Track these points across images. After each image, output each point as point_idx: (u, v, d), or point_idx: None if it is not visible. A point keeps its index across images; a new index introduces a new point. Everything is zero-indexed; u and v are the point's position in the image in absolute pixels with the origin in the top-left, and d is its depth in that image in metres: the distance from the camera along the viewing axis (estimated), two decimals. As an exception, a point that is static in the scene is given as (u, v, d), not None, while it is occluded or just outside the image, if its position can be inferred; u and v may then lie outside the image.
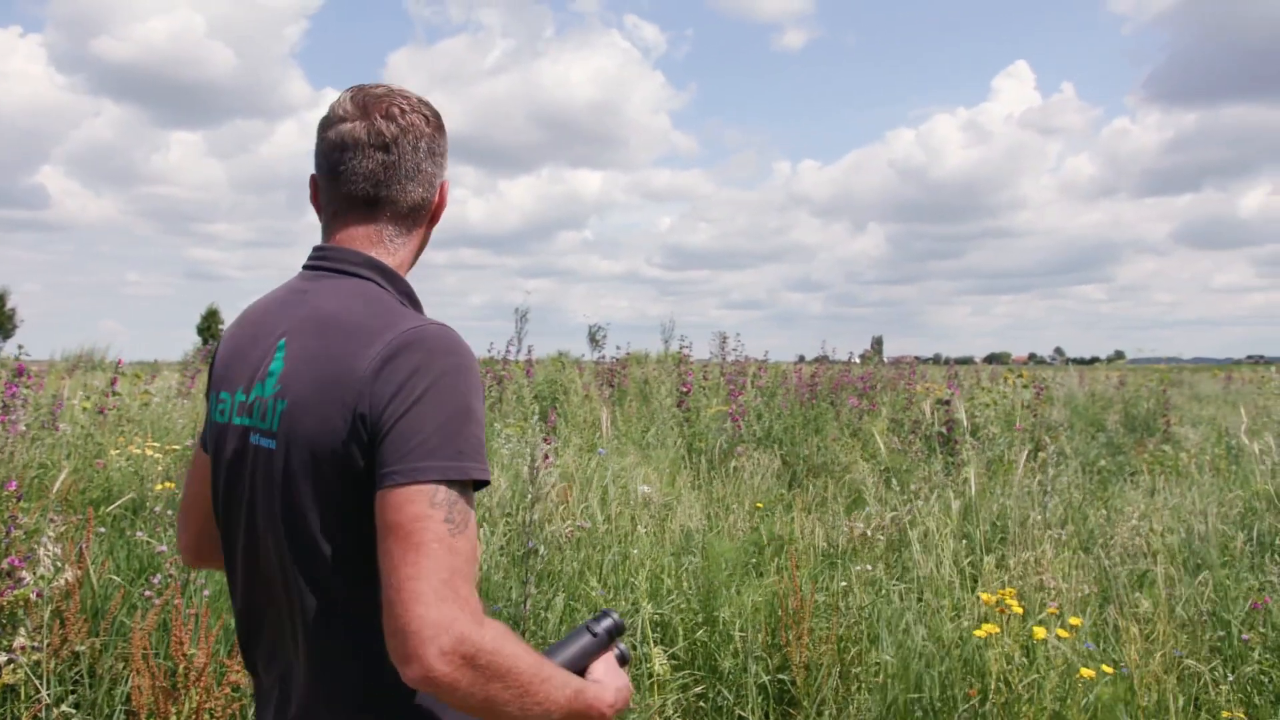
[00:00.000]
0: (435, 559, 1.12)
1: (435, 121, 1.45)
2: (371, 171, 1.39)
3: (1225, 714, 3.36)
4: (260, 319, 1.41)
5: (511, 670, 1.14)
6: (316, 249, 1.44)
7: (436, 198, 1.48)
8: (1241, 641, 3.83)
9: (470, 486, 1.21)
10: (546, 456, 4.34)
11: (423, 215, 1.47)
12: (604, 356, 12.64)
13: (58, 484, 4.42)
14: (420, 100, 1.45)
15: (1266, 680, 3.67)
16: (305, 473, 1.25)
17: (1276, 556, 4.27)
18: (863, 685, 3.67)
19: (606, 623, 1.40)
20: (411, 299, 1.43)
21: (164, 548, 3.82)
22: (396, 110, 1.40)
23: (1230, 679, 3.63)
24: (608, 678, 1.36)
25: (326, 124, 1.41)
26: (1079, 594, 4.08)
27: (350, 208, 1.42)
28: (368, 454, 1.21)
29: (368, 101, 1.40)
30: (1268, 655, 3.76)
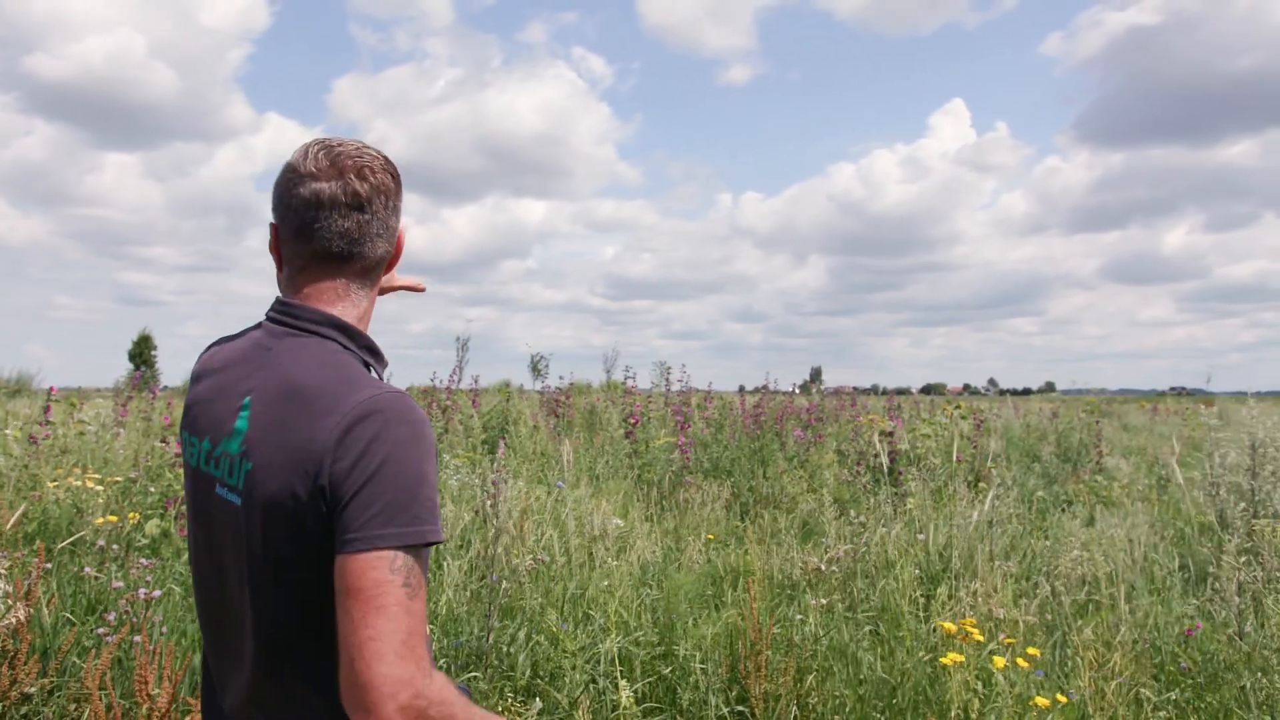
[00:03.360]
0: (395, 621, 1.20)
1: (398, 178, 1.50)
2: (346, 230, 1.43)
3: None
4: (226, 369, 1.45)
5: (453, 718, 1.23)
6: (281, 303, 1.47)
7: (396, 249, 1.53)
8: (1178, 667, 3.97)
9: (424, 549, 1.28)
10: (499, 489, 4.33)
11: (380, 268, 1.52)
12: (547, 386, 12.62)
13: (12, 520, 4.27)
14: (385, 159, 1.50)
15: (1204, 704, 3.81)
16: (265, 532, 1.31)
17: (1217, 585, 4.43)
18: (821, 716, 3.71)
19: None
20: (374, 352, 1.49)
21: (119, 583, 3.72)
22: (368, 170, 1.44)
23: (1171, 701, 3.76)
24: None
25: (296, 180, 1.43)
26: (1027, 623, 4.18)
27: (318, 263, 1.46)
28: (324, 521, 1.27)
29: (339, 160, 1.43)
30: (1200, 679, 3.91)
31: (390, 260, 1.53)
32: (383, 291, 2.03)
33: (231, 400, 1.39)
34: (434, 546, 1.44)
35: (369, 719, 1.17)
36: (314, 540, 1.28)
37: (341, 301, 1.47)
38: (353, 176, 1.43)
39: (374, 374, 1.46)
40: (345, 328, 1.45)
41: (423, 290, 2.08)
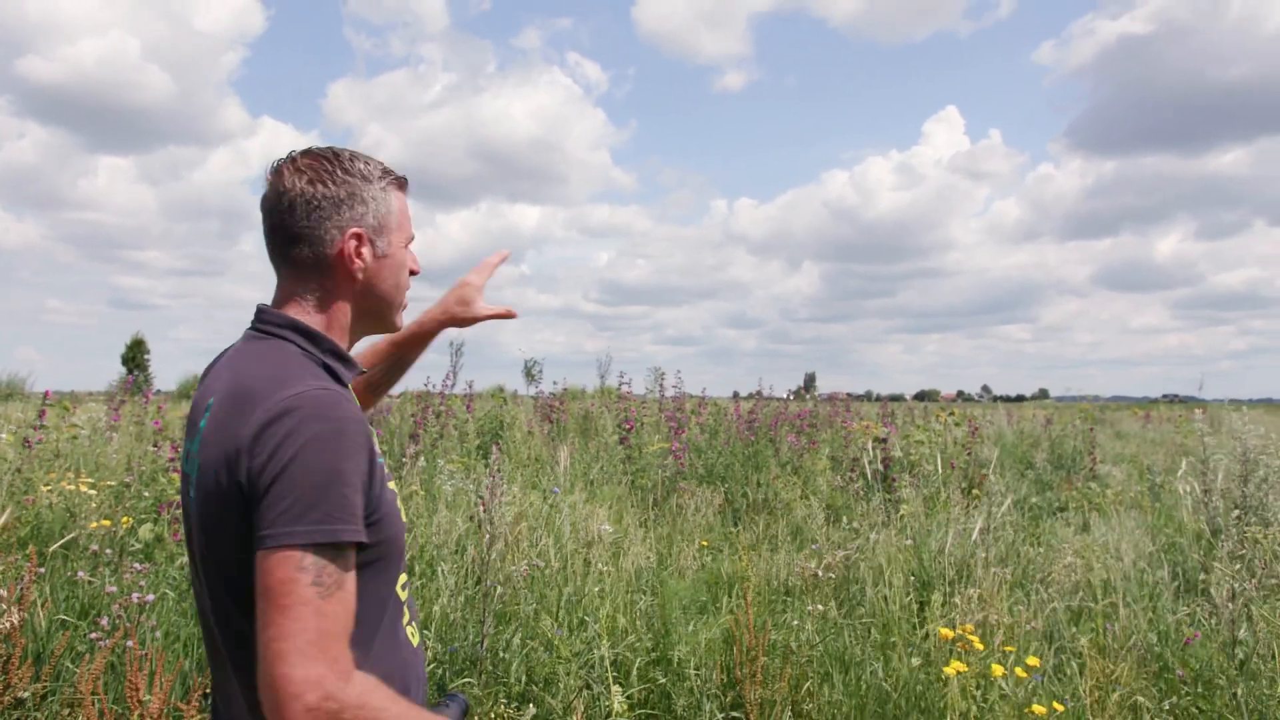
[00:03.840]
0: (302, 621, 1.18)
1: (329, 177, 1.46)
2: (269, 234, 1.47)
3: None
4: (211, 375, 1.50)
5: None
6: (257, 309, 1.51)
7: (334, 251, 1.46)
8: (1174, 675, 3.99)
9: (345, 548, 1.25)
10: (494, 494, 4.32)
11: (325, 272, 1.48)
12: (541, 392, 12.63)
13: (3, 515, 4.26)
14: (318, 158, 1.47)
15: (1198, 711, 3.82)
16: (204, 529, 1.34)
17: (1211, 593, 4.44)
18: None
19: (456, 705, 1.55)
20: (340, 357, 1.47)
21: (113, 588, 3.71)
22: (285, 172, 1.45)
23: (1165, 709, 3.77)
24: None
25: None
26: (1023, 630, 4.19)
27: (275, 268, 1.51)
28: (246, 518, 1.27)
29: (280, 165, 1.47)
30: (1198, 687, 3.92)
31: (338, 265, 1.48)
32: (465, 323, 2.03)
33: (204, 403, 1.42)
34: (402, 549, 1.44)
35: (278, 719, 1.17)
36: (238, 537, 1.28)
37: (299, 305, 1.49)
38: (273, 178, 1.46)
39: (338, 379, 1.45)
40: (305, 330, 1.46)
41: (513, 317, 2.04)
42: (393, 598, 1.46)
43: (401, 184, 1.57)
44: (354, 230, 1.46)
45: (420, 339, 2.05)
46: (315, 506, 1.22)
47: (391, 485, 1.47)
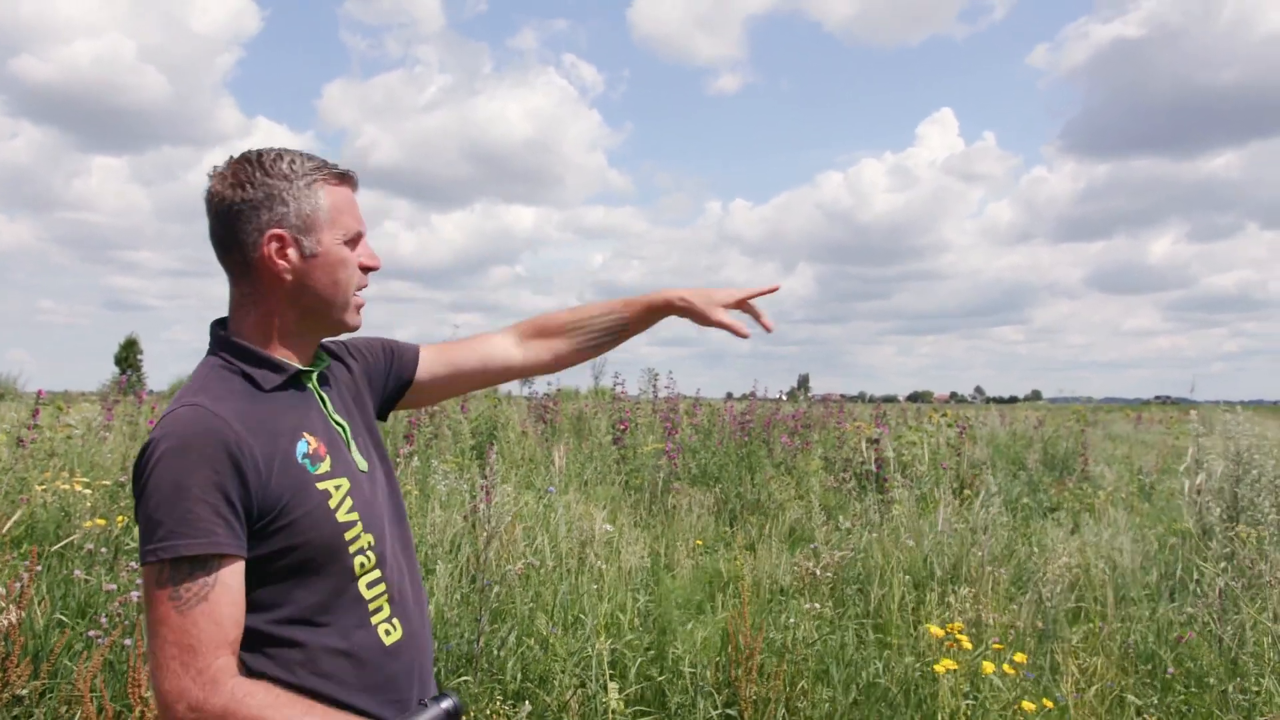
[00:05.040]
0: (163, 636, 1.25)
1: (247, 180, 1.43)
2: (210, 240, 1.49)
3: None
4: None
5: None
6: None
7: (257, 255, 1.44)
8: (1166, 674, 4.02)
9: (207, 560, 1.27)
10: (489, 493, 4.35)
11: (253, 277, 1.46)
12: (535, 392, 12.60)
13: (9, 523, 4.26)
14: (241, 162, 1.45)
15: (1188, 708, 3.86)
16: None
17: (1201, 590, 4.48)
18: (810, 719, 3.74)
19: (446, 703, 1.50)
20: (264, 363, 1.45)
21: (112, 586, 3.73)
22: (214, 180, 1.45)
23: (1154, 705, 3.81)
24: None
25: None
26: (1017, 630, 4.22)
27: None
28: None
29: (209, 173, 1.48)
30: (1190, 685, 3.96)
31: (262, 268, 1.45)
32: (700, 319, 1.89)
33: None
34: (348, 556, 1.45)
35: None
36: None
37: (240, 312, 1.50)
38: (207, 186, 1.47)
39: (260, 386, 1.44)
40: (228, 344, 1.47)
41: (745, 337, 1.90)
42: (345, 598, 1.43)
43: (341, 179, 1.51)
44: (273, 232, 1.43)
45: (651, 310, 1.93)
46: (161, 524, 1.27)
47: (326, 485, 1.43)
